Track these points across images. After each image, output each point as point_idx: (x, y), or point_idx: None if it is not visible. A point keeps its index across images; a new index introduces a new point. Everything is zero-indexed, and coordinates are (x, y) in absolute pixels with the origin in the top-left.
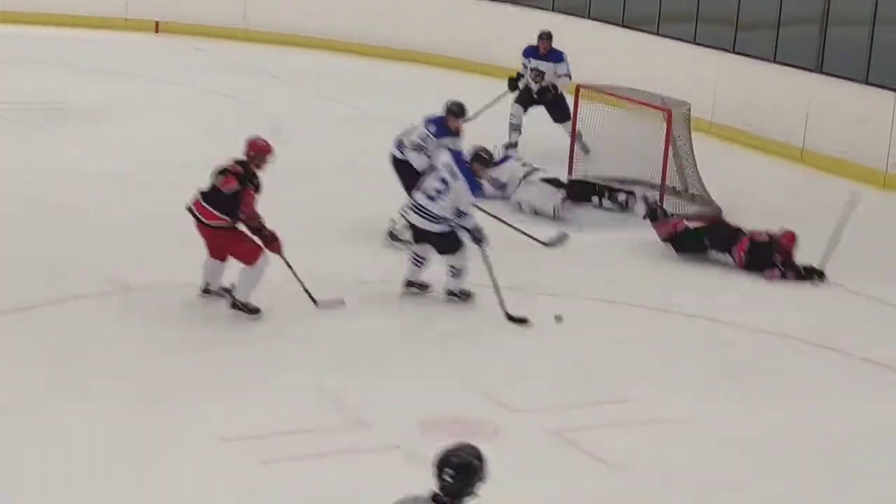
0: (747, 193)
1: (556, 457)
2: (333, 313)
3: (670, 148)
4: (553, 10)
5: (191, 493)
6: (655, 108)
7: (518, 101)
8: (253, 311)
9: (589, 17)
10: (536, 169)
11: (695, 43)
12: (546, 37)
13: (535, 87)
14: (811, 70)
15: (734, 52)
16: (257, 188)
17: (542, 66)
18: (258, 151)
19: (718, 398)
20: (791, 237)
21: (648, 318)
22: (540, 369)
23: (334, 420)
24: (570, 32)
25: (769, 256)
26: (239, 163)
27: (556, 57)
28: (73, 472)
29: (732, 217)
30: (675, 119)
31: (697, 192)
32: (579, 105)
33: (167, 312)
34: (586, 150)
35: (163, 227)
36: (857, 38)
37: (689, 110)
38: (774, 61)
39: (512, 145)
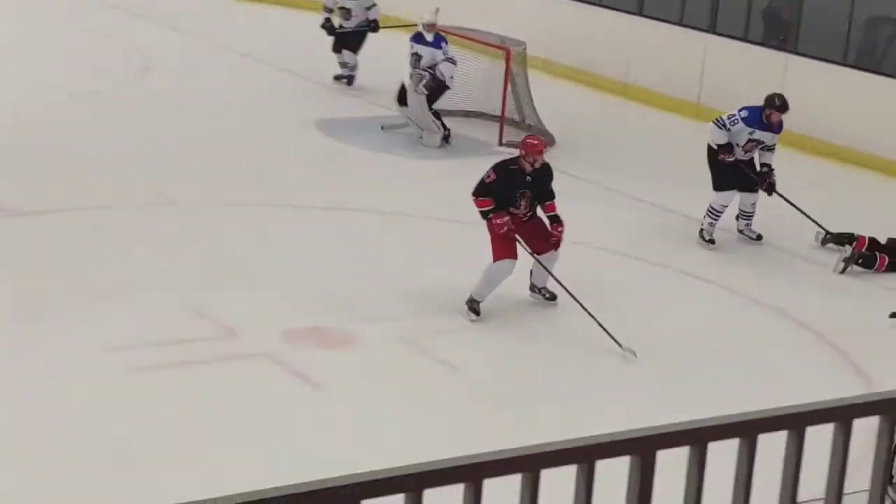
0: (574, 124)
1: (401, 360)
2: None
3: (509, 83)
4: None
5: (65, 402)
6: (495, 47)
7: None
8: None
9: None
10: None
11: None
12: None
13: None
14: (634, 13)
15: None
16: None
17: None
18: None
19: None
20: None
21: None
22: (388, 285)
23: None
24: None
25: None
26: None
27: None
28: None
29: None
30: (513, 57)
31: (534, 123)
32: None
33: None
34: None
35: None
36: None
37: (525, 49)
38: (602, 6)
39: None
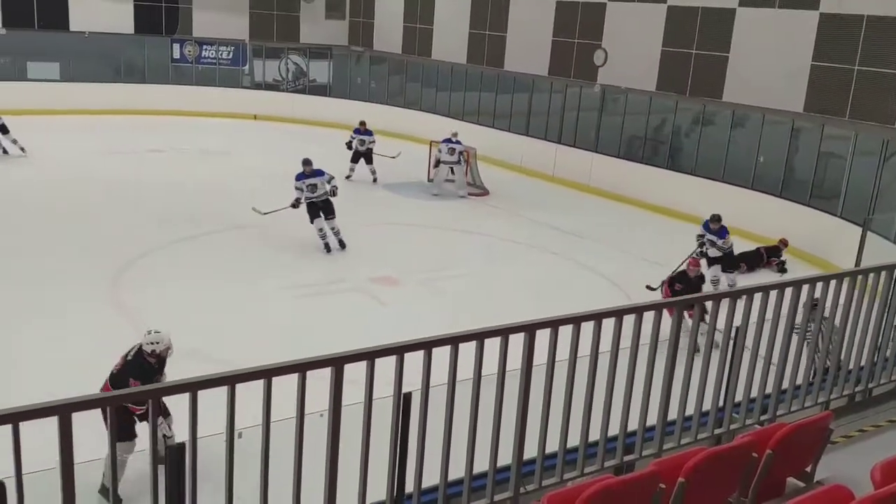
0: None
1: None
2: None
3: (468, 166)
4: None
5: (262, 314)
6: (466, 149)
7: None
8: None
9: None
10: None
11: None
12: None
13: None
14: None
15: None
16: None
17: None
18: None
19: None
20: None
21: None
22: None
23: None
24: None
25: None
26: None
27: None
28: None
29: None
30: (471, 154)
31: (479, 184)
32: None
33: None
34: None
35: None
36: None
37: (476, 150)
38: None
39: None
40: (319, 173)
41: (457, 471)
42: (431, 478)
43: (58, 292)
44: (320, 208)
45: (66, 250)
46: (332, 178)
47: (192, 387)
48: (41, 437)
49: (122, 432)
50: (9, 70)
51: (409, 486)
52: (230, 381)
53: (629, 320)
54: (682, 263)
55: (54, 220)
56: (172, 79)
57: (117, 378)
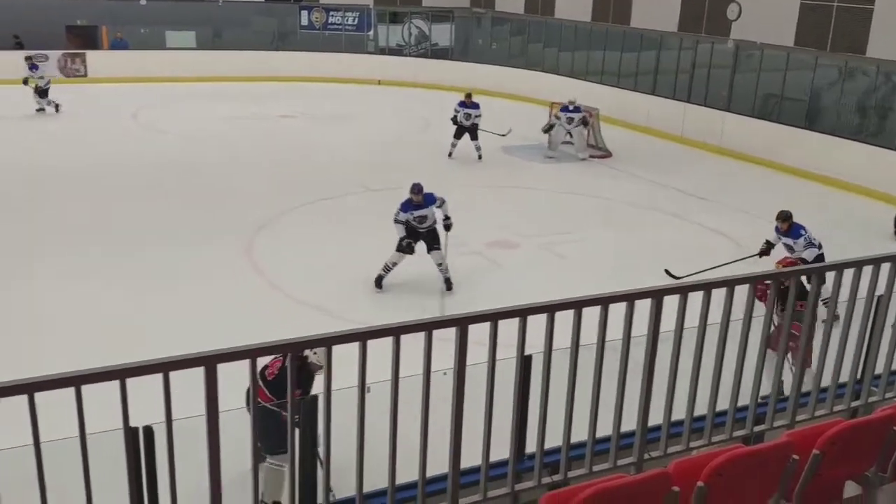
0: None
1: (544, 257)
2: None
3: (591, 128)
4: None
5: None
6: (588, 112)
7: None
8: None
9: None
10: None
11: None
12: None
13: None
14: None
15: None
16: None
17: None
18: None
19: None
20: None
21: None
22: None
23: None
24: None
25: None
26: None
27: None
28: None
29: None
30: (594, 114)
31: (602, 146)
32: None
33: None
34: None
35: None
36: None
37: (599, 111)
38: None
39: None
40: (430, 200)
41: (580, 433)
42: (554, 439)
43: (201, 254)
44: (421, 237)
45: (205, 213)
46: (443, 201)
47: (328, 341)
48: (188, 388)
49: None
50: (149, 39)
51: (532, 447)
52: (362, 337)
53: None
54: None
55: (194, 185)
56: (300, 46)
57: (275, 385)
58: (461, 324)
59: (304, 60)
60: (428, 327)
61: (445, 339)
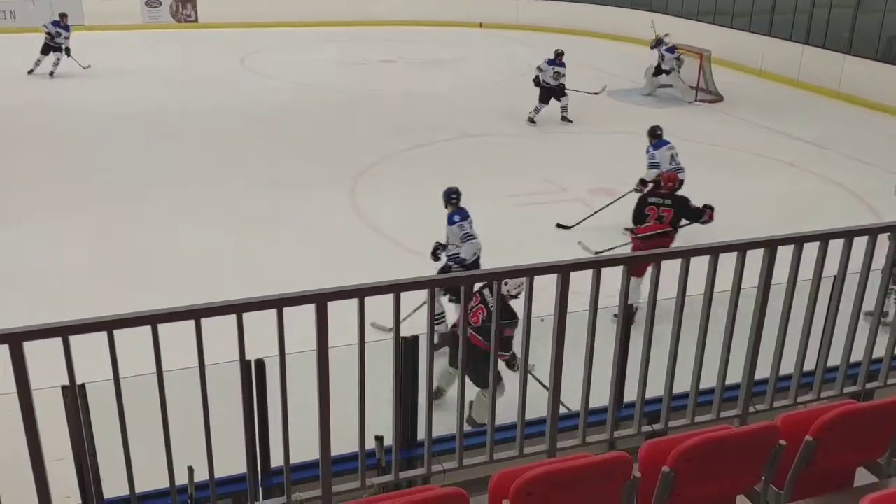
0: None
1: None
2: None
3: (701, 70)
4: None
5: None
6: (697, 52)
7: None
8: None
9: None
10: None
11: None
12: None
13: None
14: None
15: None
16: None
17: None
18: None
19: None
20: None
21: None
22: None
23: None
24: None
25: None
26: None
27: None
28: None
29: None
30: (704, 57)
31: (713, 90)
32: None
33: None
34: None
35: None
36: None
37: (710, 53)
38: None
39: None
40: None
41: (683, 384)
42: (656, 390)
43: (307, 197)
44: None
45: (309, 158)
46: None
47: (431, 283)
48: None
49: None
50: None
51: (632, 396)
52: (466, 281)
53: (883, 240)
54: None
55: (298, 129)
56: None
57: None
58: (563, 271)
59: (404, 4)
60: (529, 273)
61: (543, 289)
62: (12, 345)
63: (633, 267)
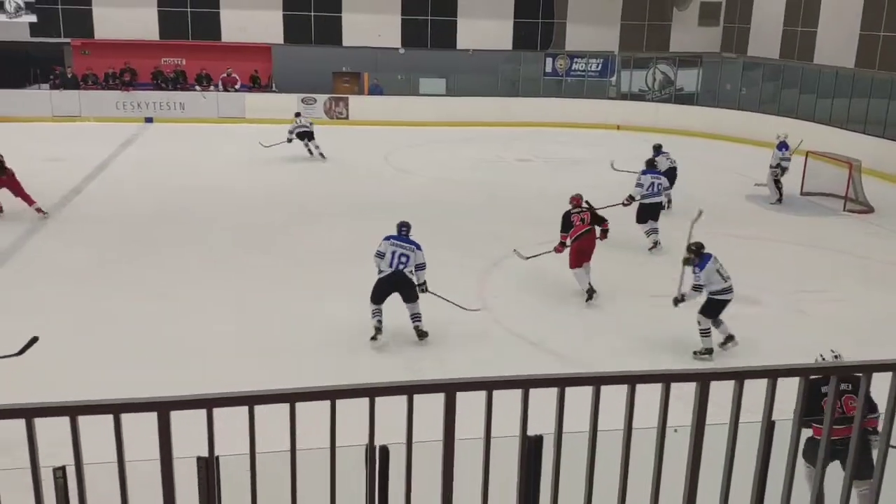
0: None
1: (789, 314)
2: None
3: (851, 180)
4: None
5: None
6: (846, 161)
7: None
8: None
9: None
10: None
11: None
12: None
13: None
14: None
15: None
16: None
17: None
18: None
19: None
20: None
21: None
22: None
23: None
24: None
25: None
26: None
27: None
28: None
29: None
30: (854, 166)
31: (863, 200)
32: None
33: None
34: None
35: None
36: None
37: (861, 163)
38: None
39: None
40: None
41: None
42: None
43: (440, 284)
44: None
45: (445, 248)
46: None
47: (561, 383)
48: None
49: None
50: (404, 86)
51: None
52: (596, 381)
53: None
54: None
55: (436, 222)
56: (543, 92)
57: None
58: (702, 379)
59: (545, 106)
60: (665, 379)
61: (677, 397)
62: (160, 413)
63: (581, 256)
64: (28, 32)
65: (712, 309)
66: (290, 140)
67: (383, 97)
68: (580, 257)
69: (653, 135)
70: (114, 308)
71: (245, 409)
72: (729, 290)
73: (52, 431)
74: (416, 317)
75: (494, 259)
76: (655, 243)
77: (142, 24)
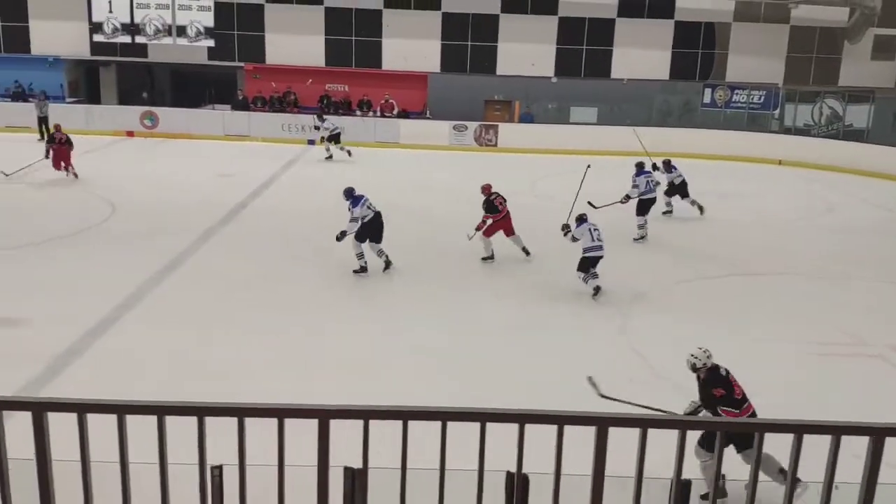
0: None
1: None
2: None
3: None
4: None
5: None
6: None
7: None
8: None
9: None
10: None
11: None
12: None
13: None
14: None
15: None
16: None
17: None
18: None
19: None
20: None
21: None
22: None
23: None
24: None
25: None
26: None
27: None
28: None
29: None
30: None
31: None
32: None
33: None
34: None
35: None
36: None
37: None
38: None
39: None
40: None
41: None
42: None
43: (582, 315)
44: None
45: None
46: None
47: (683, 424)
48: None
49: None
50: (555, 114)
51: None
52: (721, 426)
53: None
54: None
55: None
56: (700, 123)
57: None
58: (835, 432)
59: (701, 138)
60: (797, 430)
61: (814, 446)
62: (321, 420)
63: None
64: (206, 56)
65: (584, 264)
66: (322, 140)
67: (533, 125)
68: (494, 230)
69: (817, 171)
70: (269, 319)
71: (399, 423)
72: (597, 248)
73: (213, 430)
74: (382, 252)
75: (638, 291)
76: (643, 236)
77: (309, 51)
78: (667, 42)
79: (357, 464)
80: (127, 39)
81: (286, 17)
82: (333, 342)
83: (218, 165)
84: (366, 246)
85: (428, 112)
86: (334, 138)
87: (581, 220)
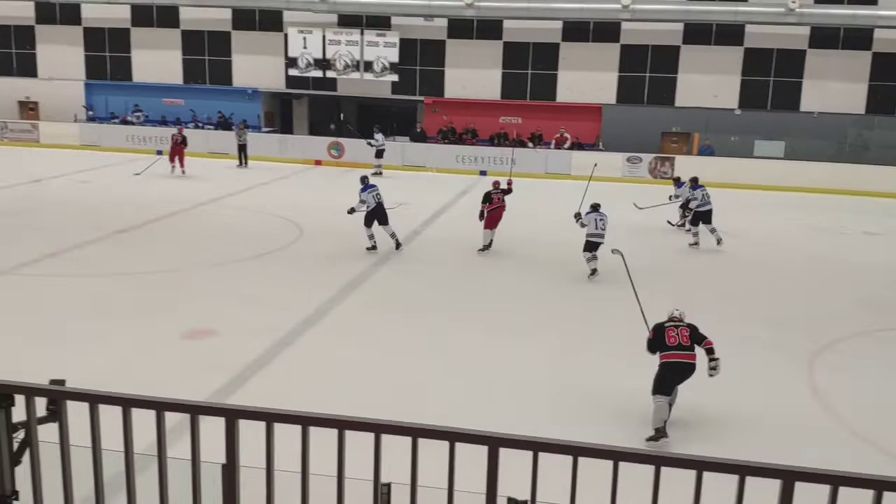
0: None
1: None
2: None
3: None
4: None
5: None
6: None
7: None
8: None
9: None
10: None
11: None
12: None
13: None
14: None
15: None
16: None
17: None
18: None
19: None
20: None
21: None
22: None
23: None
24: None
25: None
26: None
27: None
28: None
29: None
30: None
31: None
32: None
33: None
34: None
35: None
36: None
37: None
38: None
39: None
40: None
41: None
42: None
43: (765, 362)
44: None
45: (761, 320)
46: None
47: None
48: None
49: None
50: (739, 147)
51: None
52: (878, 485)
53: None
54: None
55: (750, 290)
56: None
57: None
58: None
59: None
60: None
61: None
62: (491, 448)
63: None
64: (390, 90)
65: (588, 246)
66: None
67: (712, 157)
68: (491, 223)
69: None
70: (440, 339)
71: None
72: (598, 235)
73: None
74: (393, 234)
75: (829, 339)
76: (696, 242)
77: (486, 84)
78: (864, 74)
79: (523, 495)
80: (318, 74)
81: (466, 51)
82: (510, 363)
83: (396, 194)
84: (376, 228)
85: (601, 144)
86: (380, 153)
87: (593, 209)
